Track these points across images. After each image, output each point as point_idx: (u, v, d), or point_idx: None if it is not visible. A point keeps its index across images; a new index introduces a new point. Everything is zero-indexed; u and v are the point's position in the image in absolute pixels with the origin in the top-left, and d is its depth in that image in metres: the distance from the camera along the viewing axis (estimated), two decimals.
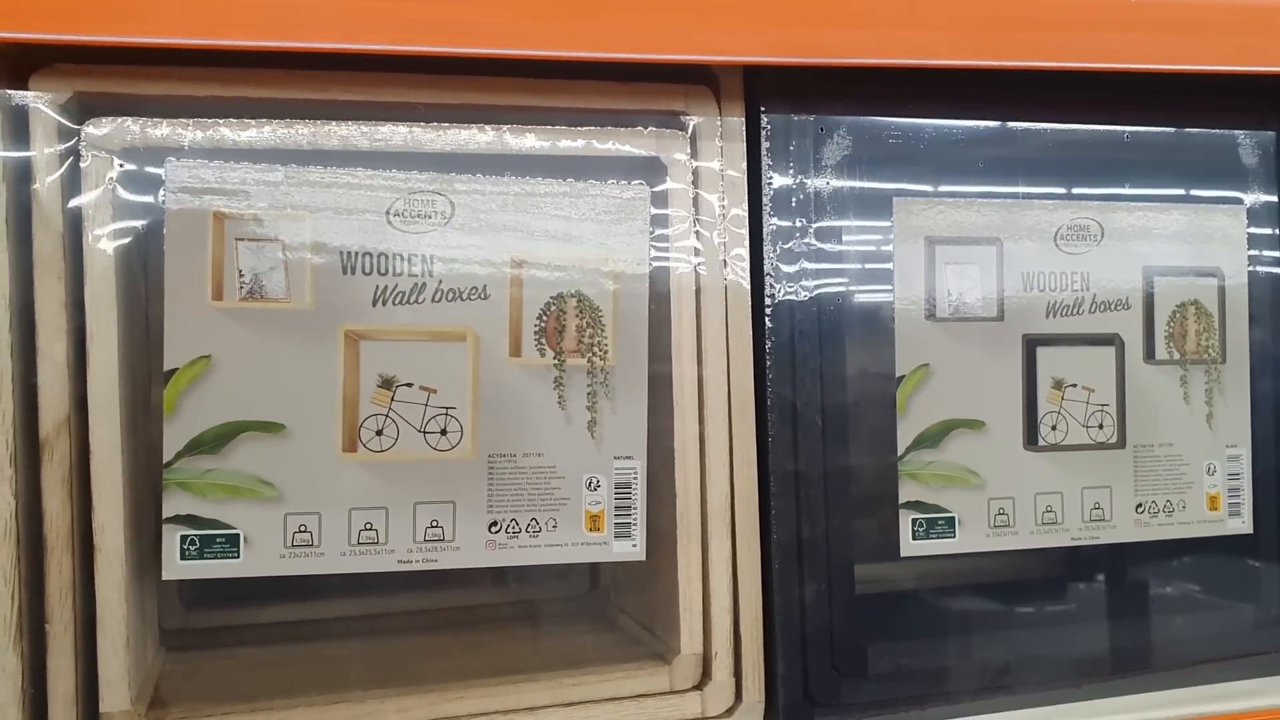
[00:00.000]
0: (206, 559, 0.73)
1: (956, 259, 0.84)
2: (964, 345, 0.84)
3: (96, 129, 0.71)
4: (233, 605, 0.96)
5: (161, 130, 0.72)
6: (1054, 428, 0.86)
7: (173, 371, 0.72)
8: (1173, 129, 0.89)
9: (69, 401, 0.70)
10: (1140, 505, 0.88)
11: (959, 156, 0.85)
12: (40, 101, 0.70)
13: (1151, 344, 0.88)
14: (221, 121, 0.73)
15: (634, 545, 0.79)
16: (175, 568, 0.72)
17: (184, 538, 0.72)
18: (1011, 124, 0.86)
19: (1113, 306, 0.87)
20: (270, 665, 0.86)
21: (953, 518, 0.83)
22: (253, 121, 0.73)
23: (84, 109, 0.71)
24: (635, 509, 0.79)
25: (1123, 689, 0.86)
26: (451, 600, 0.98)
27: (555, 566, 0.96)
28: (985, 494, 0.84)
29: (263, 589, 0.92)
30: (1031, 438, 0.86)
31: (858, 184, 0.82)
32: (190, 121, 0.72)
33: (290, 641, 0.92)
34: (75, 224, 0.71)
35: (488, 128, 0.77)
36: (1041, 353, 0.86)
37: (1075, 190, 0.87)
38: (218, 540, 0.73)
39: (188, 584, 0.88)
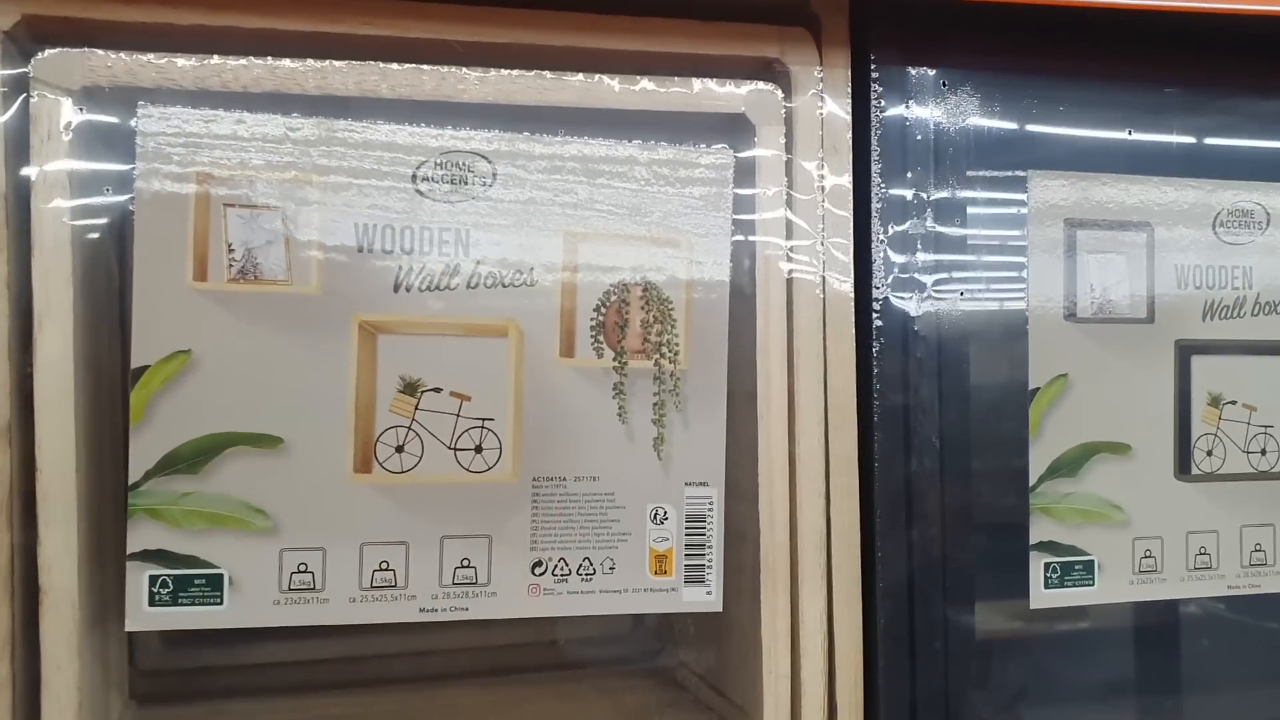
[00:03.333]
0: (181, 605, 0.62)
1: (1100, 246, 0.74)
2: (1108, 352, 0.74)
3: (49, 61, 0.60)
4: (219, 644, 0.83)
5: (132, 65, 0.61)
6: (1209, 453, 0.76)
7: (142, 369, 0.61)
8: None
9: (9, 404, 0.59)
10: None
11: (1106, 125, 0.75)
12: None
13: None
14: (209, 59, 0.62)
15: (709, 592, 0.68)
16: (141, 616, 0.61)
17: (154, 579, 0.61)
18: (1168, 89, 0.76)
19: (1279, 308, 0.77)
20: None
21: (1091, 561, 0.74)
22: (247, 60, 0.62)
23: (35, 38, 0.61)
24: (710, 547, 0.68)
25: None
26: (473, 640, 0.86)
27: None
28: (1130, 533, 0.74)
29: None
30: (1184, 465, 0.76)
31: (986, 155, 0.72)
32: (169, 57, 0.61)
33: (285, 692, 0.80)
34: (22, 181, 0.60)
35: (539, 74, 0.66)
36: (1197, 362, 0.76)
37: (1238, 172, 0.77)
38: (196, 581, 0.62)
39: None
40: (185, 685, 0.79)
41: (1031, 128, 0.73)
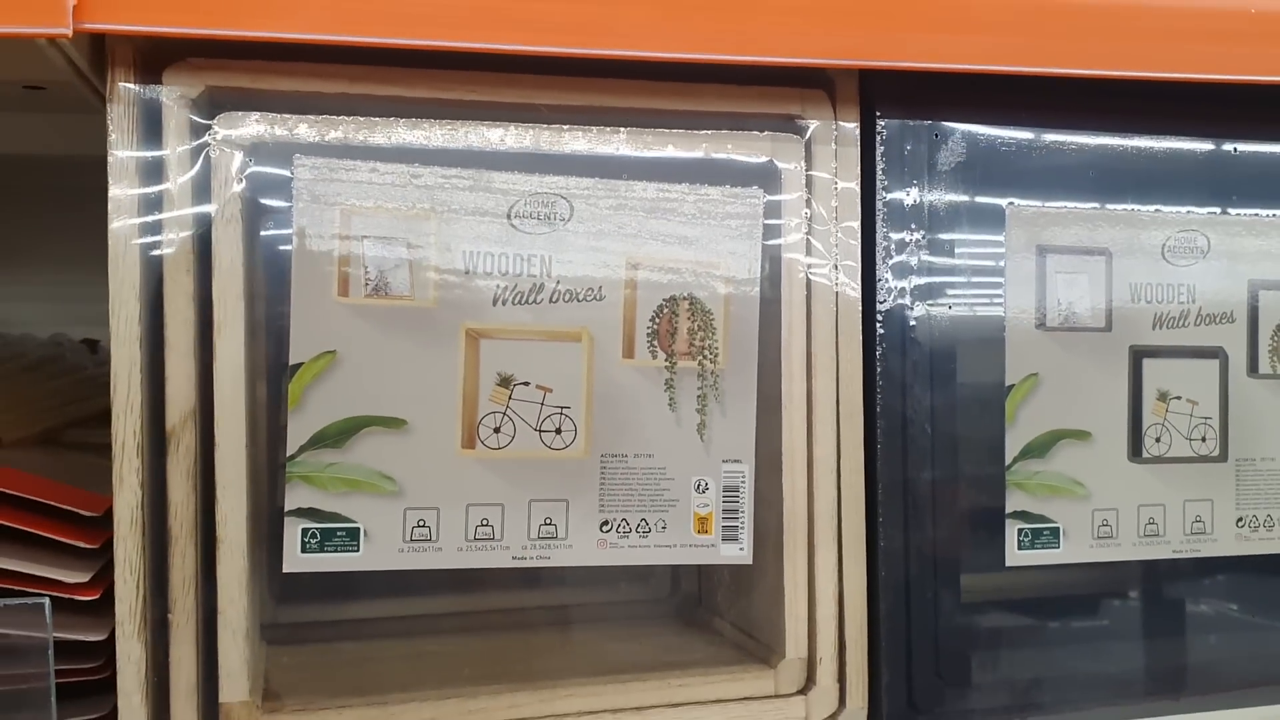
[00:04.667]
0: (327, 552, 0.73)
1: (1067, 269, 0.84)
2: (1073, 355, 0.84)
3: (227, 124, 0.71)
4: (319, 600, 0.96)
5: (290, 126, 0.72)
6: (1158, 439, 0.86)
7: (298, 366, 0.72)
8: None
9: (195, 392, 0.71)
10: (1241, 519, 0.88)
11: (1072, 167, 0.85)
12: (172, 96, 0.71)
13: (1255, 357, 0.88)
14: (349, 119, 0.73)
15: (741, 549, 0.79)
16: (296, 560, 0.73)
17: (305, 531, 0.73)
18: (1125, 135, 0.86)
19: (1217, 319, 0.87)
20: (373, 660, 0.87)
21: (1057, 528, 0.84)
22: (379, 120, 0.74)
23: (214, 104, 0.72)
24: (743, 512, 0.79)
25: (1230, 702, 0.86)
26: (541, 599, 0.98)
27: (639, 568, 0.97)
28: (1090, 505, 0.84)
29: (359, 585, 0.94)
30: (1136, 449, 0.86)
31: (971, 191, 0.83)
32: (318, 118, 0.73)
33: (386, 637, 0.93)
34: (204, 218, 0.71)
35: (607, 130, 0.77)
36: (1147, 364, 0.86)
37: (1183, 204, 0.87)
38: (338, 533, 0.73)
39: (278, 579, 0.88)
40: (299, 634, 0.92)
41: (1010, 168, 0.83)
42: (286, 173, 0.72)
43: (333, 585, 0.92)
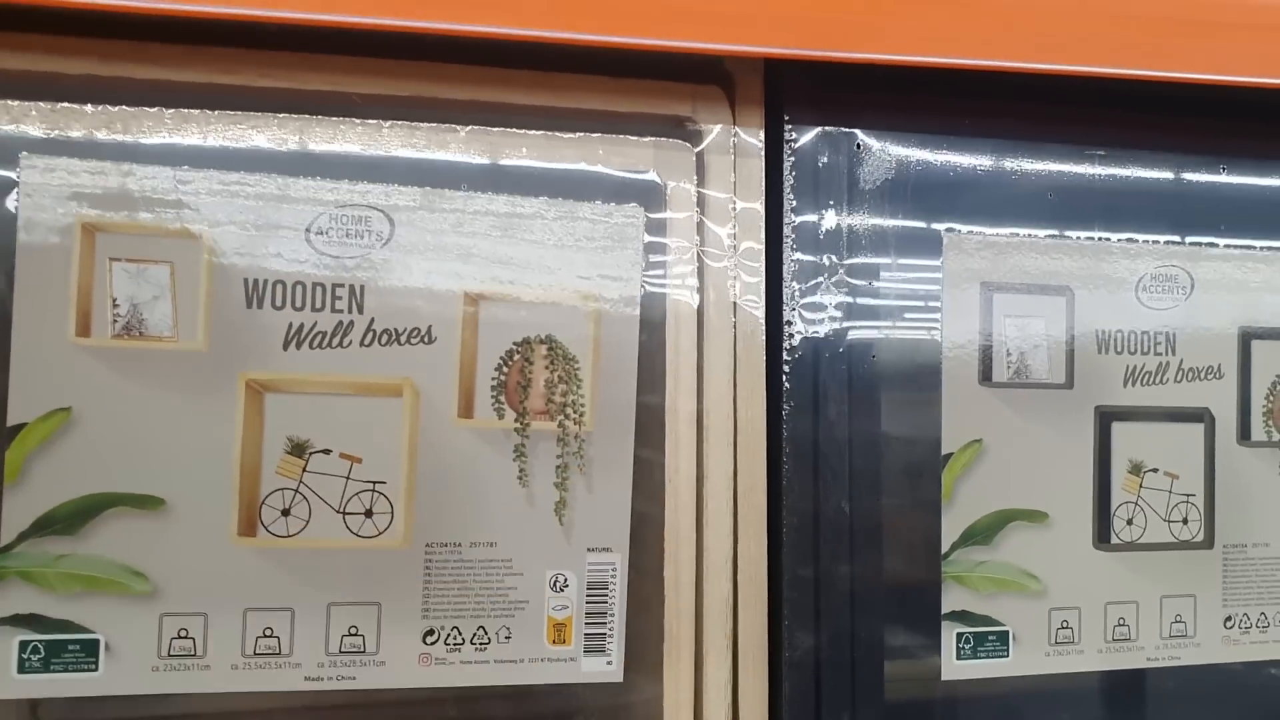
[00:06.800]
0: (54, 672, 0.59)
1: (1018, 310, 0.72)
2: (1025, 418, 0.72)
3: None
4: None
5: (16, 115, 0.59)
6: (1129, 522, 0.74)
7: (19, 427, 0.59)
8: None
9: None
10: (1230, 619, 0.76)
11: (1024, 187, 0.74)
12: None
13: (1247, 422, 0.77)
14: (97, 108, 0.60)
15: (609, 662, 0.66)
16: (11, 683, 0.59)
17: (24, 644, 0.59)
18: (1089, 150, 0.74)
19: (1202, 375, 0.76)
20: None
21: (1006, 632, 0.72)
22: (137, 110, 0.61)
23: None
24: (612, 615, 0.66)
25: None
26: (365, 700, 0.83)
27: None
28: (1046, 603, 0.73)
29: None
30: (1103, 534, 0.74)
31: (901, 214, 0.71)
32: (55, 107, 0.60)
33: None
34: None
35: (441, 128, 0.65)
36: (1117, 429, 0.74)
37: (1161, 233, 0.76)
38: (70, 647, 0.59)
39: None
40: None
41: (948, 188, 0.72)
42: (11, 175, 0.59)
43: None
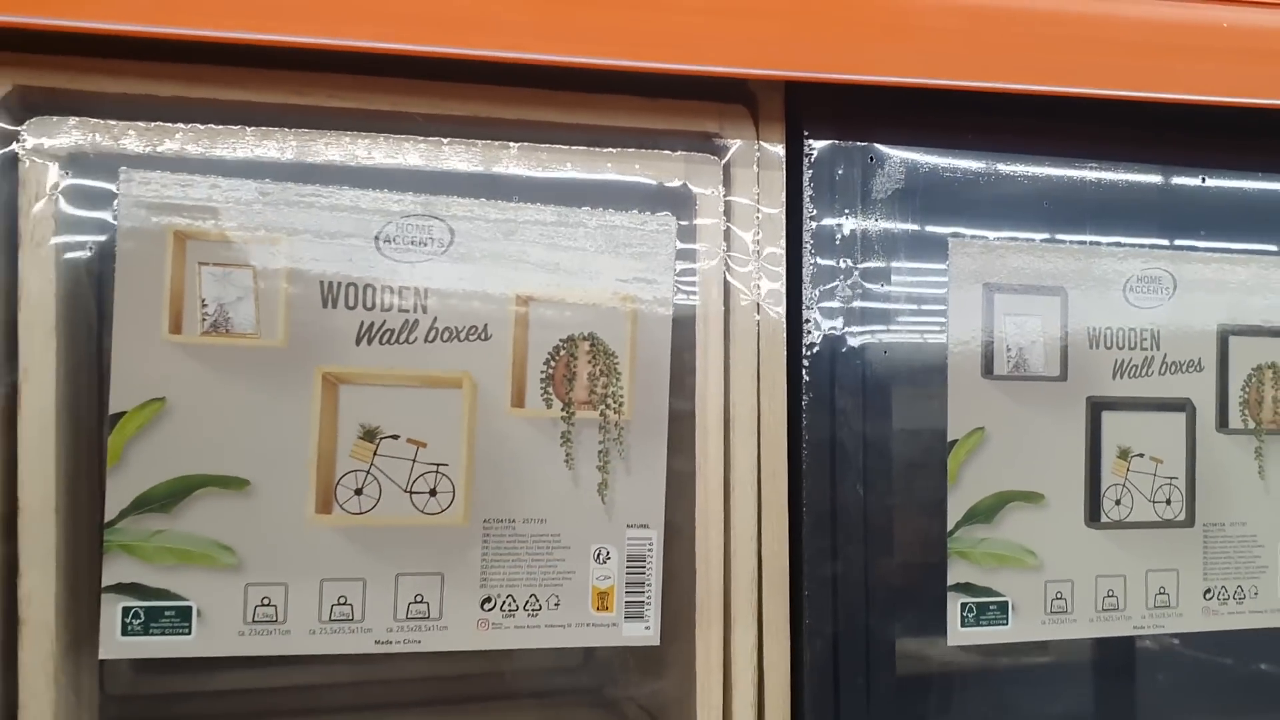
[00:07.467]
0: (152, 635, 0.64)
1: (1017, 309, 0.76)
2: (1023, 407, 0.76)
3: (39, 130, 0.63)
4: (187, 670, 0.85)
5: (115, 134, 0.64)
6: (1118, 502, 0.78)
7: (120, 415, 0.63)
8: (1258, 171, 0.81)
9: None
10: (1209, 591, 0.80)
11: (1023, 196, 0.77)
12: None
13: (1225, 411, 0.81)
14: (186, 127, 0.65)
15: (647, 628, 0.70)
16: (115, 645, 0.63)
17: (126, 610, 0.63)
18: (1081, 162, 0.78)
19: (1184, 368, 0.80)
20: None
21: (1006, 602, 0.76)
22: (222, 128, 0.65)
23: (25, 106, 0.63)
24: (649, 585, 0.70)
25: None
26: (429, 670, 0.87)
27: None
28: (1042, 576, 0.76)
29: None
30: (1094, 513, 0.78)
31: (910, 222, 0.75)
32: (149, 125, 0.64)
33: (251, 715, 0.82)
34: (10, 241, 0.62)
35: (494, 145, 0.69)
36: (1107, 417, 0.78)
37: (1147, 239, 0.79)
38: (166, 613, 0.64)
39: None
40: (153, 710, 0.81)
41: (953, 197, 0.75)
42: (111, 188, 0.63)
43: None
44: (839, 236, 0.73)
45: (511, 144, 0.69)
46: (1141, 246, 0.79)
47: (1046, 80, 0.71)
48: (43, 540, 0.62)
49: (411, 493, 0.66)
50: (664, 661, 0.76)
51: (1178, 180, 0.81)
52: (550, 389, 0.69)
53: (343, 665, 0.83)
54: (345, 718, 0.83)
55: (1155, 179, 0.80)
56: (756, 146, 0.72)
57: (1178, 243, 0.80)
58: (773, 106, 0.73)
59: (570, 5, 0.65)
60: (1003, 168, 0.77)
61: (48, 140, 0.62)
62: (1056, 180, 0.78)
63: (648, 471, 0.70)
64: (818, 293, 0.73)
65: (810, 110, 0.73)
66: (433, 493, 0.67)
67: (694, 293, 0.71)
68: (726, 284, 0.72)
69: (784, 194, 0.73)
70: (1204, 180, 0.81)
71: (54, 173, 0.62)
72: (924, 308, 0.75)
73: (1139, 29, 0.73)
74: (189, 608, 0.64)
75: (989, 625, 0.75)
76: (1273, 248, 0.82)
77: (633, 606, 0.70)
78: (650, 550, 0.70)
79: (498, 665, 0.86)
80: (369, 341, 0.66)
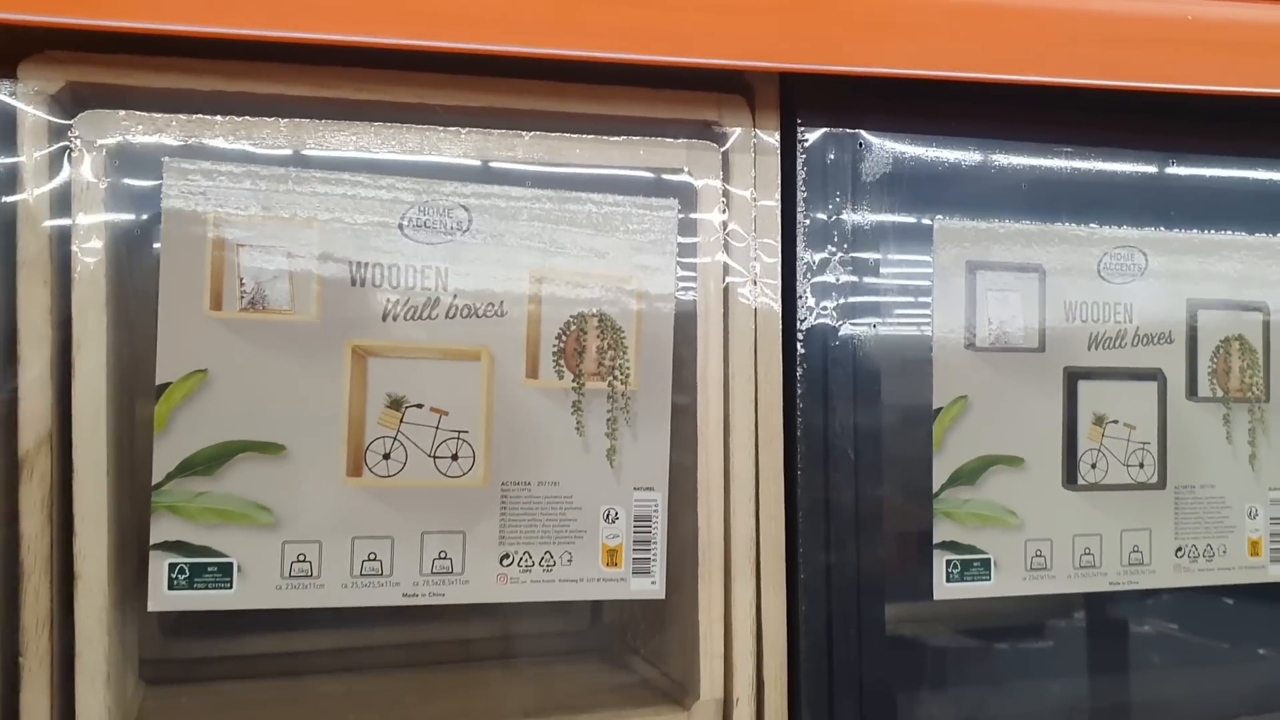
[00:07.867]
0: (196, 589, 0.68)
1: (998, 286, 0.80)
2: (1004, 377, 0.80)
3: (89, 123, 0.66)
4: (213, 635, 0.89)
5: (159, 126, 0.67)
6: (1094, 466, 0.82)
7: (165, 386, 0.67)
8: (1223, 156, 0.85)
9: (51, 416, 0.65)
10: (1180, 549, 0.85)
11: (1003, 179, 0.82)
12: (29, 91, 0.65)
13: (1194, 380, 0.85)
14: (224, 119, 0.68)
15: (653, 582, 0.74)
16: (162, 598, 0.67)
17: (173, 566, 0.67)
18: (1059, 147, 0.82)
19: (1155, 340, 0.84)
20: (256, 703, 0.81)
21: (988, 559, 0.80)
22: (258, 120, 0.69)
23: (76, 101, 0.67)
24: (655, 544, 0.74)
25: None
26: (445, 633, 0.92)
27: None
28: (1023, 535, 0.81)
29: (245, 618, 0.87)
30: (1071, 476, 0.82)
31: (898, 205, 0.79)
32: (190, 118, 0.68)
33: (275, 676, 0.86)
34: (63, 225, 0.66)
35: (509, 134, 0.73)
36: (1083, 386, 0.82)
37: (1120, 219, 0.84)
38: (209, 569, 0.68)
39: (166, 612, 0.82)
40: (183, 672, 0.85)
41: (938, 181, 0.79)
42: (156, 176, 0.67)
43: (223, 619, 0.85)
44: (831, 217, 0.77)
45: (524, 133, 0.72)
46: (1115, 226, 0.83)
47: (1024, 71, 0.74)
48: (94, 502, 0.65)
49: (435, 457, 0.71)
50: (668, 617, 0.80)
51: (1147, 164, 0.85)
52: (562, 361, 0.73)
53: (365, 629, 0.87)
54: (360, 677, 0.87)
55: (1126, 163, 0.84)
56: (753, 134, 0.76)
57: (1149, 223, 0.84)
58: (768, 96, 0.76)
59: (581, 4, 0.68)
60: (985, 153, 0.81)
61: (97, 132, 0.66)
62: (1035, 165, 0.82)
63: (653, 438, 0.74)
64: (811, 270, 0.76)
65: (803, 99, 0.77)
66: (454, 457, 0.71)
67: (694, 272, 0.75)
68: (725, 263, 0.76)
69: (779, 178, 0.76)
70: (1171, 164, 0.85)
71: (103, 161, 0.66)
72: (912, 285, 0.79)
73: (1110, 23, 0.77)
74: (230, 564, 0.68)
75: (973, 581, 0.79)
76: (1238, 227, 0.86)
77: (640, 563, 0.74)
78: (655, 510, 0.74)
79: (516, 627, 0.90)
80: (395, 318, 0.70)
